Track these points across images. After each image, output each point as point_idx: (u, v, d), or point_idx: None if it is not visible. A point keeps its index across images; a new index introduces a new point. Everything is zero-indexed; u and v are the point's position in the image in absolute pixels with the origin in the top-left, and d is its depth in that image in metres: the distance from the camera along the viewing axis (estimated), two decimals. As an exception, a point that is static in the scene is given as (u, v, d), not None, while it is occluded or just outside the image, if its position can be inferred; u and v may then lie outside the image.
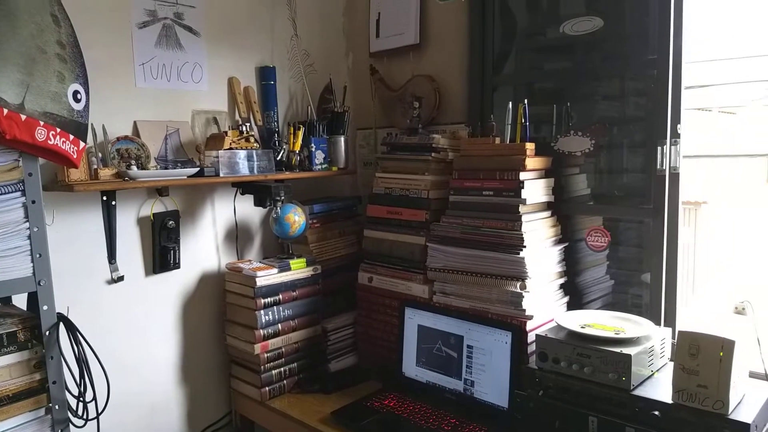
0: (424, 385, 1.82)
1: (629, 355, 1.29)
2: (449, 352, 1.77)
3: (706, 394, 1.18)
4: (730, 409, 1.17)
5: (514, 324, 1.63)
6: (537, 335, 1.44)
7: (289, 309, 1.92)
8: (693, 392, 1.20)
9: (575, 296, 1.81)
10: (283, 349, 1.90)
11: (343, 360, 2.06)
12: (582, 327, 1.44)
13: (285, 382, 1.90)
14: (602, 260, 1.84)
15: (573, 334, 1.42)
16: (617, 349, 1.32)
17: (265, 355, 1.85)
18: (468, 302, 1.75)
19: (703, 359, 1.18)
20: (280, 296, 1.89)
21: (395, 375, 1.89)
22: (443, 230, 1.82)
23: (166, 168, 1.79)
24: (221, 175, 1.79)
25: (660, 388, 1.31)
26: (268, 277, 1.85)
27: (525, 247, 1.65)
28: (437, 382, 1.80)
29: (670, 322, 1.62)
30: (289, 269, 1.92)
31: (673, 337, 1.46)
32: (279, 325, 1.88)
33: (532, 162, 1.71)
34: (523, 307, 1.62)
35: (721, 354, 1.17)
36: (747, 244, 3.74)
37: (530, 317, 1.62)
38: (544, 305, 1.68)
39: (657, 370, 1.40)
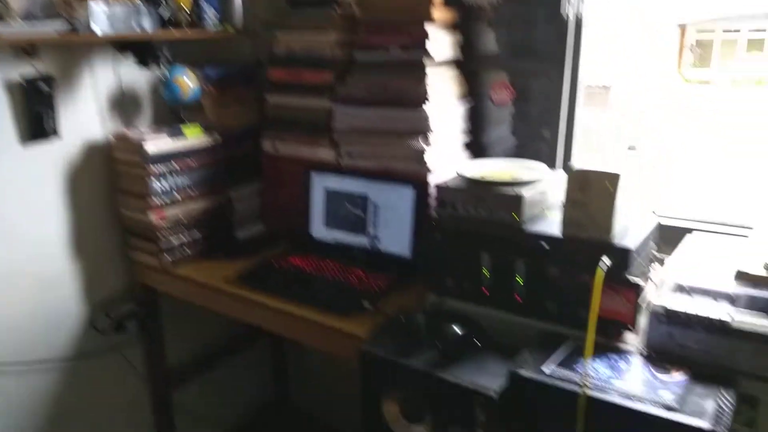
0: (332, 245, 1.83)
1: (521, 195, 1.32)
2: (356, 211, 1.77)
3: (593, 224, 1.24)
4: (615, 238, 1.24)
5: (417, 179, 1.64)
6: (437, 186, 1.44)
7: (187, 178, 1.84)
8: (581, 224, 1.25)
9: (479, 154, 1.82)
10: (184, 219, 1.83)
11: (250, 228, 2.03)
12: (480, 175, 1.45)
13: (188, 250, 1.86)
14: (506, 117, 1.84)
15: (471, 181, 1.44)
16: (511, 190, 1.35)
17: (163, 224, 1.78)
18: (374, 162, 1.73)
19: (592, 193, 1.23)
20: (175, 164, 1.79)
21: (303, 237, 1.89)
22: (348, 91, 1.76)
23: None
24: (98, 33, 1.61)
25: (550, 225, 1.36)
26: (158, 142, 1.74)
27: (428, 101, 1.62)
28: (344, 240, 1.81)
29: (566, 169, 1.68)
30: (183, 135, 1.81)
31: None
32: (176, 193, 1.80)
33: (440, 12, 1.65)
34: (426, 163, 1.62)
35: (608, 187, 1.21)
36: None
37: (433, 171, 1.63)
38: (447, 161, 1.69)
39: (548, 209, 1.45)
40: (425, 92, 1.61)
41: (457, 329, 1.25)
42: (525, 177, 1.42)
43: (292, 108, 1.90)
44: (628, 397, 1.05)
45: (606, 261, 1.21)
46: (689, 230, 1.49)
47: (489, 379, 1.19)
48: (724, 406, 1.02)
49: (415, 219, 1.63)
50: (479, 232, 1.40)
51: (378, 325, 1.42)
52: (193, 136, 1.84)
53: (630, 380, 1.10)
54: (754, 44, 1.78)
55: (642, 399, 1.04)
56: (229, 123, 1.97)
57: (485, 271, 1.39)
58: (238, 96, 2.02)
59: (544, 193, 1.43)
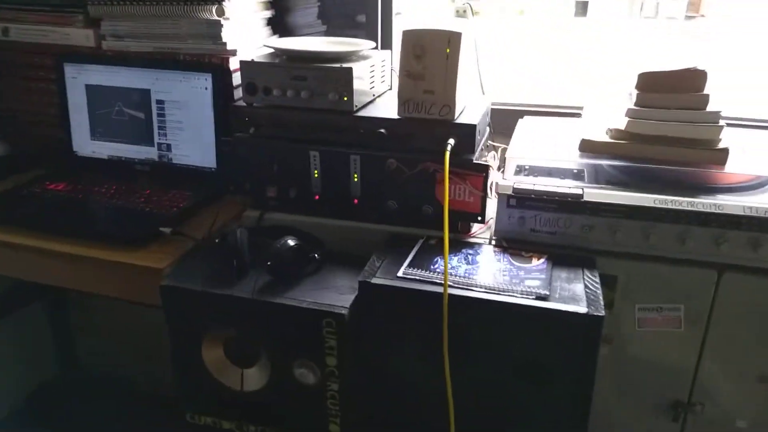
0: (106, 162, 1.42)
1: (350, 69, 1.08)
2: (134, 113, 1.37)
3: (433, 100, 1.05)
4: (456, 115, 1.06)
5: (214, 63, 1.29)
6: (242, 62, 1.13)
7: None
8: (419, 101, 1.05)
9: (287, 35, 1.51)
10: None
11: (-16, 149, 1.50)
12: (299, 48, 1.17)
13: None
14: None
15: (287, 57, 1.15)
16: (337, 65, 1.09)
17: None
18: (151, 44, 1.33)
19: (429, 60, 1.02)
20: None
21: (65, 156, 1.44)
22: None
23: None
24: None
25: (383, 109, 1.14)
26: None
27: (218, -39, 1.25)
28: (123, 154, 1.41)
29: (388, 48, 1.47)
30: None
31: (393, 63, 1.30)
32: None
33: None
34: (224, 40, 1.28)
35: (448, 51, 1.02)
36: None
37: (233, 52, 1.29)
38: (248, 41, 1.36)
39: (378, 96, 1.23)
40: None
41: (290, 241, 1.00)
42: (349, 50, 1.17)
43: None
44: (496, 291, 0.91)
45: (451, 143, 1.04)
46: (520, 114, 1.39)
47: (334, 295, 0.97)
48: (592, 287, 0.93)
49: (217, 116, 1.30)
50: (302, 122, 1.13)
51: (184, 253, 1.10)
52: None
53: (490, 273, 0.96)
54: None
55: (511, 291, 0.91)
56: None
57: (315, 173, 1.14)
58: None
59: (373, 71, 1.20)
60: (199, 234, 1.15)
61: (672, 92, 1.04)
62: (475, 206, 1.09)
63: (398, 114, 1.08)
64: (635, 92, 1.06)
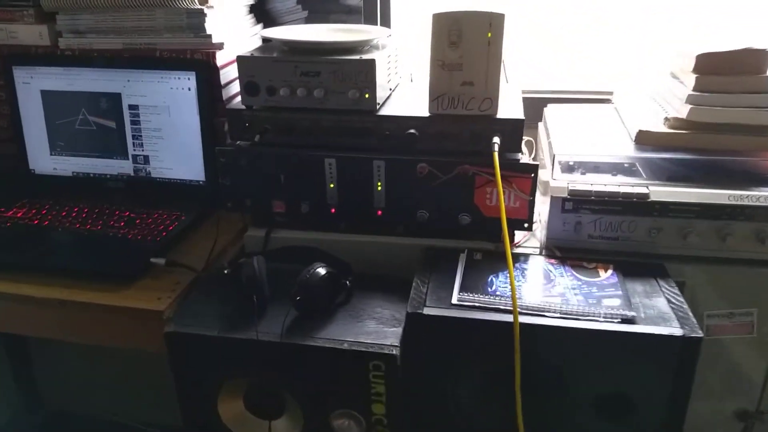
0: (71, 180, 1.21)
1: (372, 61, 0.91)
2: (102, 122, 1.17)
3: (472, 93, 0.90)
4: (499, 109, 0.92)
5: (198, 59, 1.10)
6: (240, 57, 0.95)
7: None
8: (455, 95, 0.91)
9: (268, 26, 1.33)
10: None
11: None
12: (303, 38, 1.00)
13: None
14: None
15: (291, 48, 0.97)
16: (356, 57, 0.93)
17: None
18: (120, 40, 1.13)
19: (467, 47, 0.87)
20: None
21: (20, 176, 1.22)
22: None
23: None
24: None
25: (406, 106, 0.99)
26: None
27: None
28: (91, 170, 1.20)
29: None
30: None
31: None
32: None
33: None
34: (208, 32, 1.09)
35: (489, 35, 0.87)
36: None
37: (219, 46, 1.11)
38: (235, 32, 1.18)
39: (393, 90, 1.07)
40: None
41: (320, 269, 0.83)
42: (365, 38, 1.01)
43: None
44: (574, 315, 0.78)
45: (497, 141, 0.90)
46: (543, 102, 1.26)
47: (376, 330, 0.82)
48: (677, 302, 0.81)
49: (204, 121, 1.11)
50: (315, 126, 0.97)
51: (184, 288, 0.92)
52: None
53: (558, 292, 0.83)
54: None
55: (592, 315, 0.77)
56: None
57: (330, 183, 0.98)
58: None
59: (394, 60, 1.04)
60: (196, 262, 0.97)
61: (732, 74, 0.93)
62: (522, 211, 0.95)
63: (429, 111, 0.93)
64: (693, 76, 0.94)
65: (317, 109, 0.95)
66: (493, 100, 0.91)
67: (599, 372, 0.78)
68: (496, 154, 0.87)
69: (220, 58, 1.10)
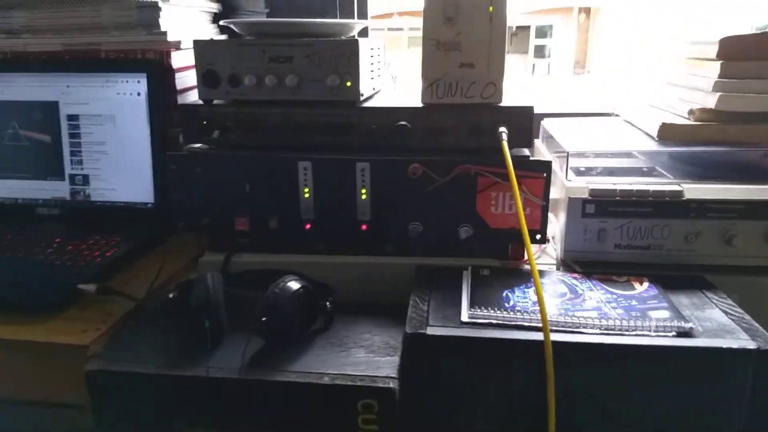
0: (-5, 204, 1.02)
1: (355, 40, 0.78)
2: (35, 136, 1.00)
3: (472, 77, 0.77)
4: (504, 96, 0.78)
5: (150, 59, 0.95)
6: (197, 42, 0.80)
7: None
8: (453, 80, 0.77)
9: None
10: None
11: None
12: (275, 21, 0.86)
13: None
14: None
15: (258, 33, 0.83)
16: (335, 39, 0.79)
17: None
18: (60, 40, 0.98)
19: (466, 23, 0.75)
20: None
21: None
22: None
23: None
24: None
25: (397, 100, 0.85)
26: None
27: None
28: (19, 195, 1.02)
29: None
30: None
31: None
32: None
33: None
34: (163, 29, 0.95)
35: (491, 9, 0.75)
36: None
37: (176, 44, 0.97)
38: (193, 30, 1.04)
39: (376, 93, 0.94)
40: None
41: (292, 283, 0.65)
42: (344, 22, 0.88)
43: None
44: (617, 330, 0.61)
45: (505, 131, 0.76)
46: (540, 116, 1.14)
47: (366, 359, 0.63)
48: (735, 313, 0.66)
49: (155, 131, 0.95)
50: (286, 122, 0.81)
51: (119, 320, 0.73)
52: None
53: (590, 306, 0.66)
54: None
55: (640, 329, 0.61)
56: None
57: (305, 192, 0.82)
58: None
59: (373, 58, 0.91)
60: (138, 292, 0.78)
61: (762, 59, 0.82)
62: (534, 220, 0.79)
63: (422, 100, 0.79)
64: (716, 63, 0.83)
65: (289, 101, 0.81)
66: (497, 85, 0.77)
67: (653, 399, 0.61)
68: (505, 144, 0.73)
69: (177, 59, 0.96)
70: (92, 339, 0.67)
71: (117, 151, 0.97)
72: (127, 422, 0.63)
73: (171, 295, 0.69)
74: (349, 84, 0.79)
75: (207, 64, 0.80)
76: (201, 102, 0.83)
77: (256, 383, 0.60)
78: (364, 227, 0.83)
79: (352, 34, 0.89)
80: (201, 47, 0.80)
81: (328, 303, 0.70)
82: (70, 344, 0.66)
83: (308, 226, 0.83)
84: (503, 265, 0.82)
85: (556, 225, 0.86)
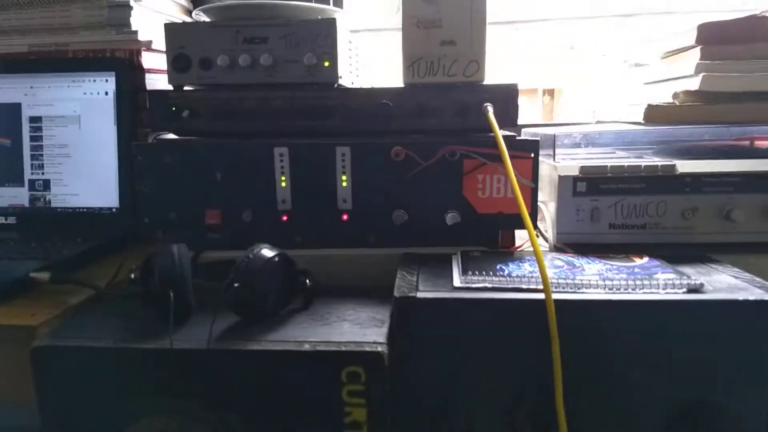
0: (-54, 213, 0.95)
1: (333, 20, 0.76)
2: (-6, 141, 0.94)
3: (454, 55, 0.75)
4: (486, 75, 0.76)
5: (120, 57, 0.92)
6: (168, 25, 0.78)
7: None
8: (435, 58, 0.75)
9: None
10: None
11: None
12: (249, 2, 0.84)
13: None
14: None
15: (228, 12, 0.81)
16: (311, 17, 0.77)
17: None
18: (26, 41, 0.95)
19: (446, 0, 0.74)
20: None
21: None
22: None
23: None
24: None
25: (377, 84, 0.82)
26: None
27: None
28: (-26, 201, 0.95)
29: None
30: None
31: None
32: None
33: None
34: (134, 28, 0.93)
35: (472, -15, 0.74)
36: None
37: (147, 44, 0.94)
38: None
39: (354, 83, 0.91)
40: None
41: (265, 251, 0.60)
42: (319, 6, 0.86)
43: None
44: (623, 289, 0.56)
45: (489, 106, 0.73)
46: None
47: (354, 332, 0.57)
48: (744, 276, 0.61)
49: (125, 133, 0.91)
50: (261, 105, 0.78)
51: (75, 306, 0.65)
52: None
53: (591, 274, 0.62)
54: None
55: (648, 287, 0.56)
56: None
57: (282, 180, 0.77)
58: None
59: (351, 48, 0.89)
60: (97, 282, 0.71)
61: (740, 43, 0.83)
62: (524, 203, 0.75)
63: (404, 81, 0.77)
64: (696, 48, 0.83)
65: (264, 84, 0.77)
66: (479, 63, 0.75)
67: (664, 359, 0.55)
68: (491, 116, 0.70)
69: (148, 60, 0.93)
70: (42, 321, 0.59)
71: (81, 154, 0.92)
72: (77, 408, 0.54)
73: (133, 275, 0.63)
74: (327, 64, 0.76)
75: (178, 47, 0.77)
76: (171, 88, 0.79)
77: (227, 354, 0.53)
78: (345, 217, 0.78)
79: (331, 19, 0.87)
80: (172, 29, 0.77)
81: (308, 281, 0.64)
82: (15, 325, 0.58)
83: (285, 217, 0.78)
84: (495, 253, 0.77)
85: (546, 214, 0.82)
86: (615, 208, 0.74)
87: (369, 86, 0.78)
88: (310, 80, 0.77)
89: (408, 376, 0.55)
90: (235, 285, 0.55)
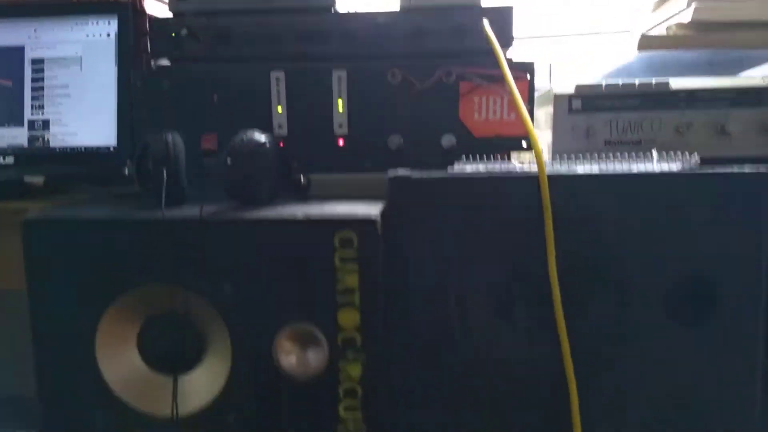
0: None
1: (331, -56, 0.78)
2: (-4, 84, 0.95)
3: (449, -22, 0.76)
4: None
5: (122, 1, 0.94)
6: (168, -49, 0.79)
7: None
8: (430, -19, 0.76)
9: None
10: None
11: None
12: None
13: None
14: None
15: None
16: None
17: None
18: (28, -11, 0.96)
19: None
20: None
21: None
22: None
23: None
24: None
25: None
26: None
27: None
28: (-27, 141, 0.95)
29: None
30: None
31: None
32: None
33: None
34: (136, -28, 0.95)
35: None
36: None
37: (149, -13, 0.96)
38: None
39: None
40: None
41: (258, 135, 0.60)
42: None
43: None
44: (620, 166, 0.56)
45: (486, 21, 0.74)
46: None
47: (346, 208, 0.56)
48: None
49: (124, 74, 0.92)
50: (259, 30, 0.79)
51: (70, 203, 0.65)
52: None
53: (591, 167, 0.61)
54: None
55: (642, 161, 0.56)
56: None
57: (278, 106, 0.78)
58: None
59: None
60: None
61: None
62: (519, 126, 0.76)
63: (400, 5, 0.78)
64: (687, -17, 0.85)
65: (262, 9, 0.79)
66: (473, -16, 0.77)
67: (660, 236, 0.54)
68: (488, 29, 0.71)
69: (150, 3, 0.94)
70: (32, 209, 0.59)
71: (81, 93, 0.93)
72: (68, 282, 0.53)
73: (127, 170, 0.63)
74: (325, -14, 0.78)
75: (181, -29, 0.79)
76: (171, 15, 0.80)
77: (219, 224, 0.52)
78: (341, 141, 0.78)
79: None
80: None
81: (302, 177, 0.64)
82: (5, 209, 0.58)
83: (281, 144, 0.78)
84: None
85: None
86: (610, 125, 0.74)
87: (365, 11, 0.79)
88: (307, 5, 0.78)
89: (402, 258, 0.54)
90: (228, 160, 0.55)
